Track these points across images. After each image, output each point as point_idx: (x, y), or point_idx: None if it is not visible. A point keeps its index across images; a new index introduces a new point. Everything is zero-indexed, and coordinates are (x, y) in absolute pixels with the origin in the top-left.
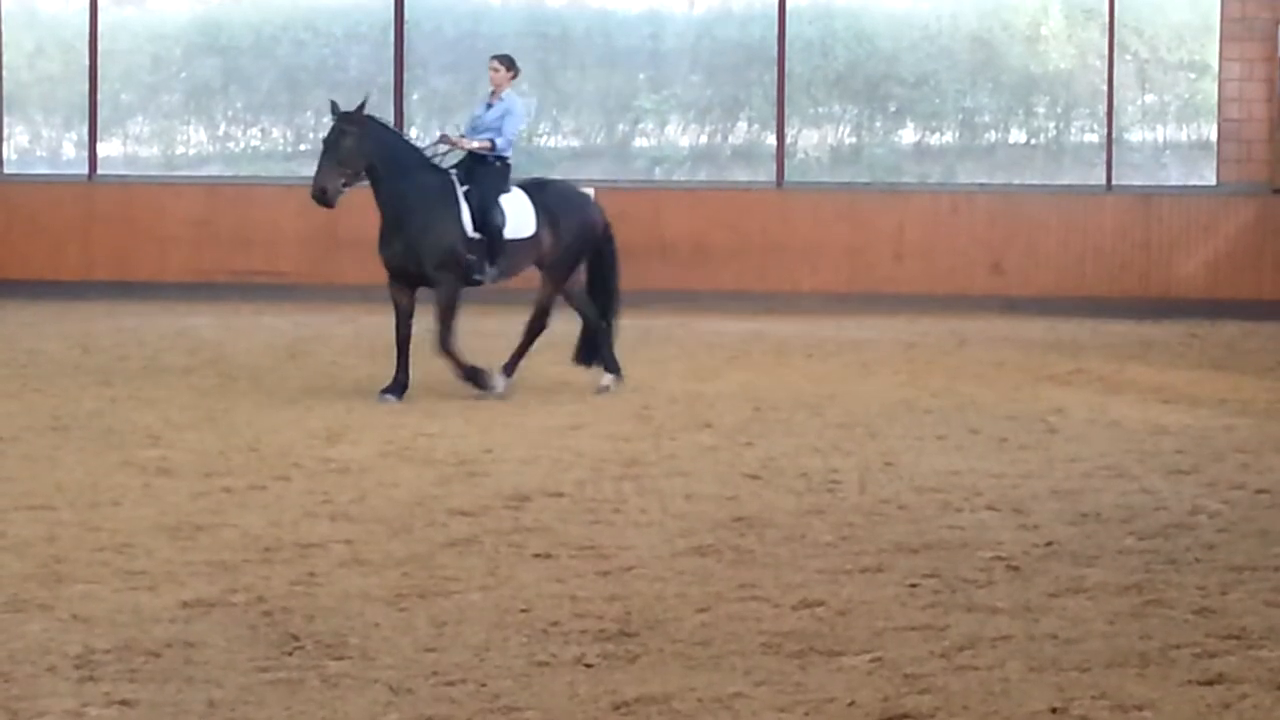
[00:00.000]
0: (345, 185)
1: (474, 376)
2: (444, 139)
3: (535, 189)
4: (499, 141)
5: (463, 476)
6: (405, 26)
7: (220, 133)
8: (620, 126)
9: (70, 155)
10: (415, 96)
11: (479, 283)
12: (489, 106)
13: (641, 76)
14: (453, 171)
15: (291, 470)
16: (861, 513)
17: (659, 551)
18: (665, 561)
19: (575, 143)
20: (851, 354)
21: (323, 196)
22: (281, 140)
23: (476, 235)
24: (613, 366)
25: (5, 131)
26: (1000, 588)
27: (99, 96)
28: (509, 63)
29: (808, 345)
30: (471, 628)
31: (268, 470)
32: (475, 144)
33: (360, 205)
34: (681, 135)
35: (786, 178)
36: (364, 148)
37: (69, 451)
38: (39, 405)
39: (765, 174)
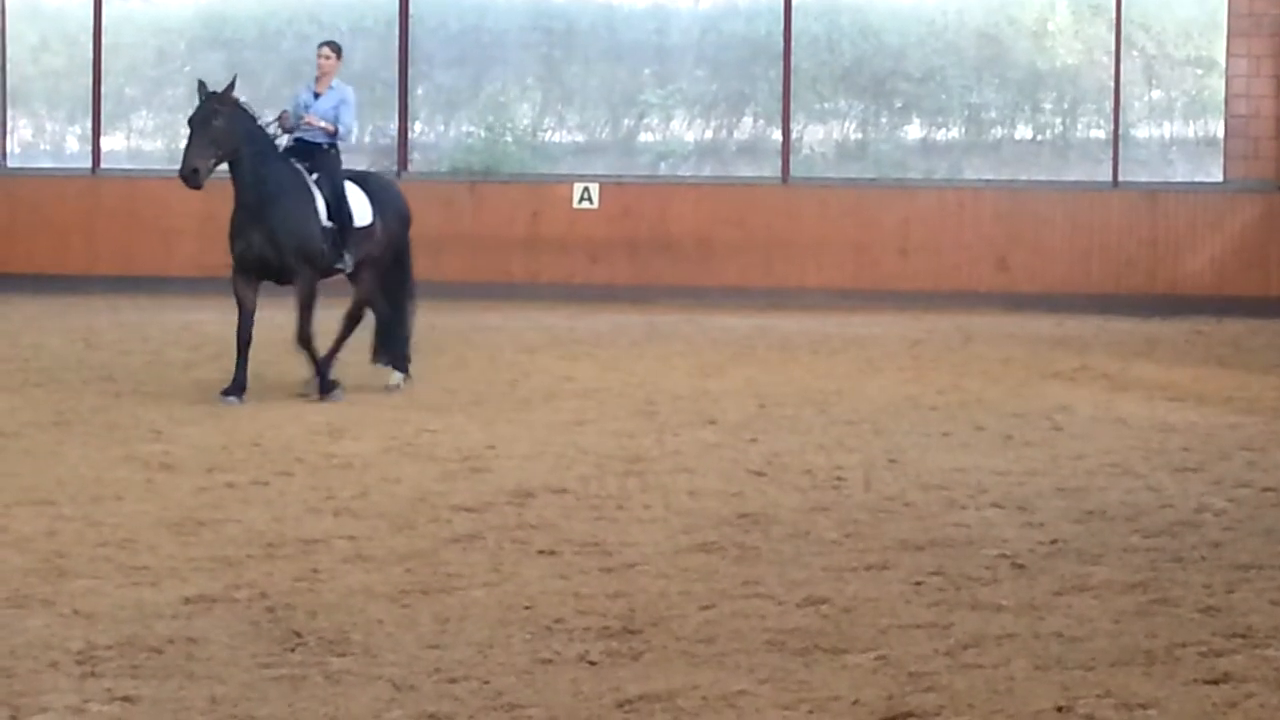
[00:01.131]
0: (214, 166)
1: (325, 375)
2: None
3: (360, 179)
4: (342, 129)
5: (466, 472)
6: (410, 21)
7: None
8: (625, 121)
9: (74, 149)
10: (419, 91)
11: (339, 272)
12: (316, 96)
13: (647, 71)
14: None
15: (294, 465)
16: (866, 510)
17: (663, 548)
18: (669, 558)
19: (580, 138)
20: (857, 350)
21: (194, 176)
22: (286, 135)
23: (329, 224)
24: (400, 365)
25: (9, 125)
26: (1005, 585)
27: (103, 90)
28: (339, 50)
29: (813, 341)
30: (475, 625)
31: (270, 466)
32: (323, 124)
33: None
34: (687, 130)
35: (792, 173)
36: (234, 129)
37: (71, 446)
38: (41, 400)
39: (771, 169)
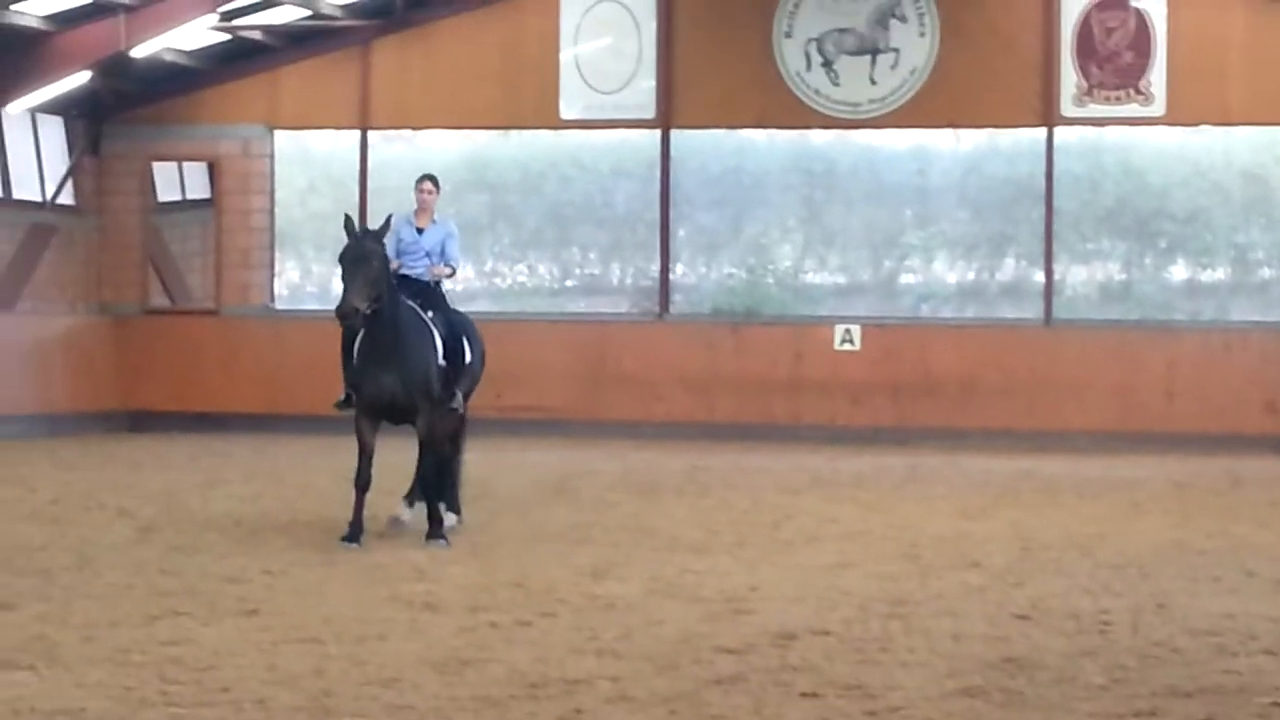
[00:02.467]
0: (369, 308)
1: (441, 518)
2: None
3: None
4: (454, 266)
5: (729, 614)
6: (671, 163)
7: (487, 269)
8: (886, 263)
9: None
10: (681, 233)
11: (453, 411)
12: (419, 231)
13: (908, 212)
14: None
15: (558, 606)
16: (1134, 655)
17: (927, 692)
18: (933, 702)
19: (841, 279)
20: (1122, 493)
21: (355, 316)
22: (548, 276)
23: (443, 363)
24: (455, 506)
25: (277, 267)
26: None
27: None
28: (439, 184)
29: (1077, 484)
30: None
31: (534, 606)
32: (447, 270)
33: (630, 340)
34: (949, 271)
35: (1055, 314)
36: (386, 270)
37: (337, 585)
38: (307, 539)
39: (1033, 311)
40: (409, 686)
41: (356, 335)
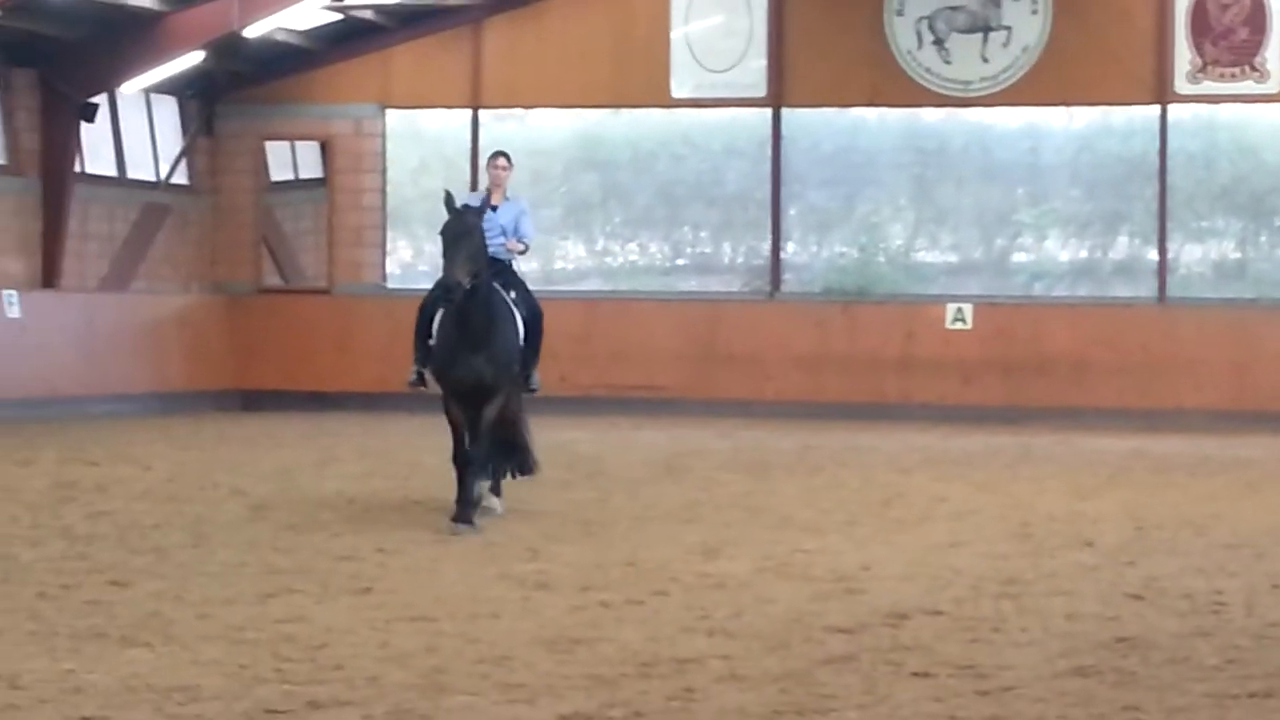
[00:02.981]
0: (470, 284)
1: (474, 504)
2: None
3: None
4: (529, 243)
5: (840, 593)
6: (782, 142)
7: (598, 247)
8: (999, 241)
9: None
10: (792, 211)
11: (531, 392)
12: (493, 208)
13: (1020, 191)
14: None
15: (669, 585)
16: (1249, 635)
17: (1039, 672)
18: (1046, 682)
19: (953, 258)
20: (1236, 472)
21: (458, 289)
22: (659, 255)
23: (521, 344)
24: (498, 489)
25: (389, 246)
26: None
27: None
28: (510, 160)
29: (1191, 463)
30: None
31: (645, 585)
32: (522, 246)
33: (740, 319)
34: (1061, 250)
35: (1169, 293)
36: (484, 247)
37: (449, 564)
38: (419, 518)
39: (1147, 289)
40: (520, 665)
41: (433, 314)
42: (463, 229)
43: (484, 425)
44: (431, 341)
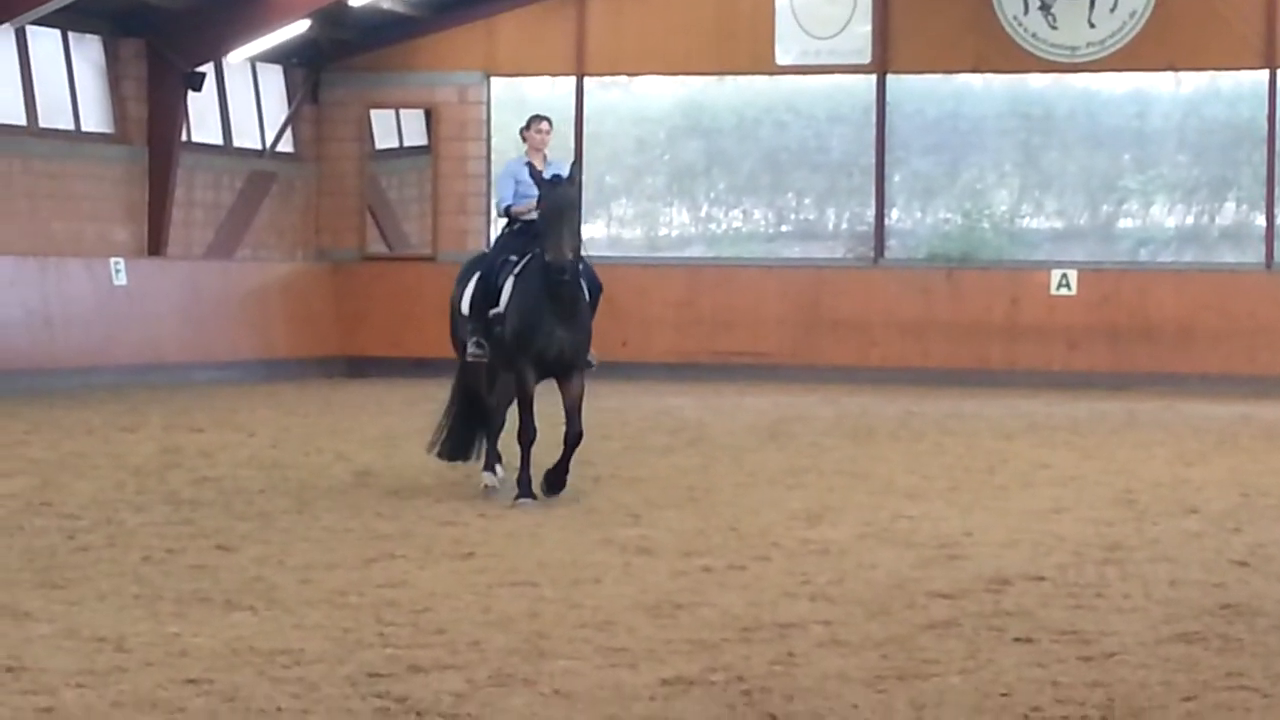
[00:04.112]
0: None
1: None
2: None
3: None
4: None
5: (942, 559)
6: (887, 108)
7: (702, 214)
8: (1104, 207)
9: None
10: (896, 178)
11: (590, 367)
12: (540, 173)
13: (1126, 156)
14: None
15: (771, 550)
16: None
17: (1143, 638)
18: (1149, 648)
19: (1058, 224)
20: None
21: (572, 269)
22: (763, 222)
23: None
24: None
25: (493, 214)
26: None
27: (584, 179)
28: (552, 124)
29: None
30: (951, 711)
31: (747, 550)
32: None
33: (845, 286)
34: (1167, 216)
35: (1276, 259)
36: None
37: (551, 529)
38: None
39: (1254, 255)
40: (622, 629)
41: (498, 283)
42: (565, 202)
43: (574, 403)
44: (498, 311)
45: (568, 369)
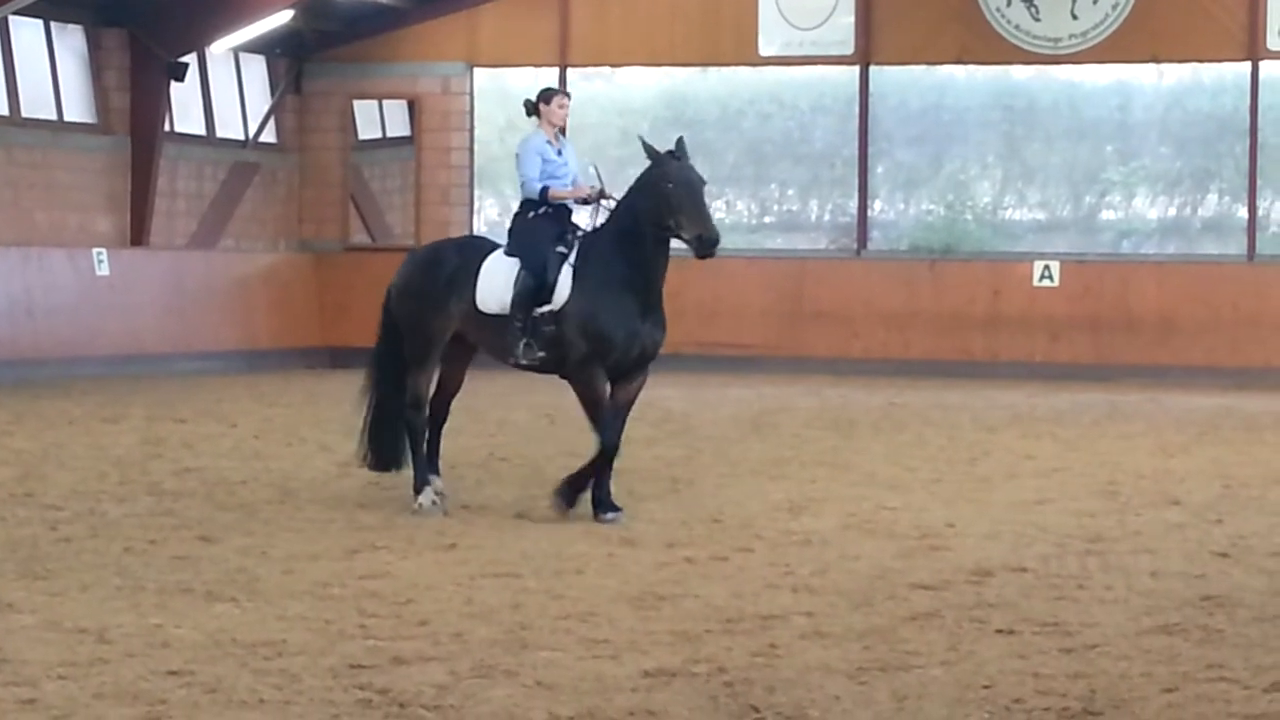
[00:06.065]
0: None
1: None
2: (603, 194)
3: None
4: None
5: (924, 550)
6: (870, 99)
7: None
8: (1087, 199)
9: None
10: (879, 169)
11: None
12: (559, 151)
13: (1109, 148)
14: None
15: (754, 542)
16: None
17: (1124, 629)
18: (1130, 640)
19: (1041, 215)
20: None
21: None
22: (746, 212)
23: None
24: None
25: (476, 205)
26: None
27: None
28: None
29: (1279, 421)
30: (932, 703)
31: (730, 541)
32: (592, 191)
33: (827, 277)
34: (1150, 208)
35: (1258, 251)
36: None
37: (535, 520)
38: (506, 474)
39: (1236, 247)
40: (605, 620)
41: (547, 276)
42: (696, 176)
43: (630, 402)
44: (551, 308)
45: (629, 371)
